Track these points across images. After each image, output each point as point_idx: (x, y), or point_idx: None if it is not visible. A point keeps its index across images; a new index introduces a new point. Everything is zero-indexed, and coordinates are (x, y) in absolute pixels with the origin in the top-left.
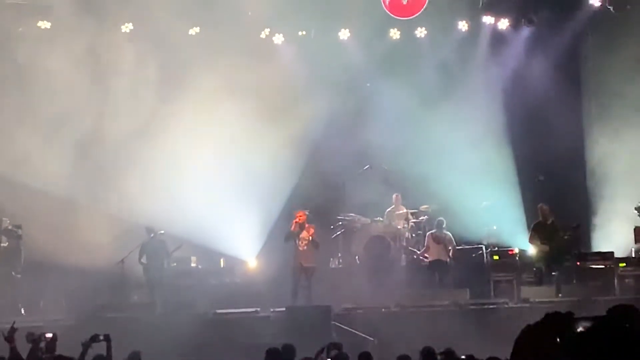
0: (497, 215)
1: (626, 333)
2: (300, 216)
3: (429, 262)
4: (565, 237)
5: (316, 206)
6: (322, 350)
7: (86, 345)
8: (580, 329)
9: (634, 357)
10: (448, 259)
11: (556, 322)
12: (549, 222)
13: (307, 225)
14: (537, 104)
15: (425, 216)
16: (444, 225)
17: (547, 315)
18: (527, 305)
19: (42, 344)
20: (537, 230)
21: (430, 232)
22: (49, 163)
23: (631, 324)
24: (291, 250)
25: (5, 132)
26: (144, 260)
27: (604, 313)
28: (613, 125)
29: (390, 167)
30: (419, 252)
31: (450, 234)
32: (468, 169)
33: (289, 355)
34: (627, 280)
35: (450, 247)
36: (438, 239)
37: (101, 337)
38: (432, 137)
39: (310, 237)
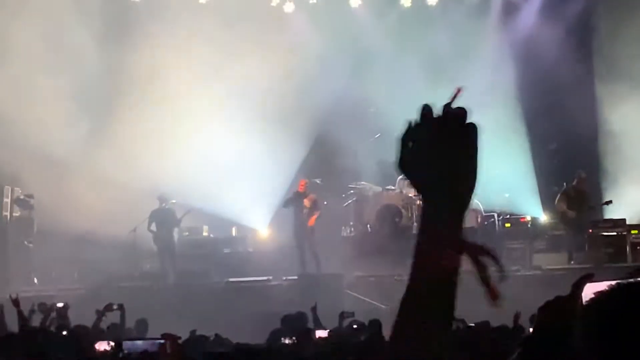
0: (509, 183)
1: None
2: (300, 185)
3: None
4: (594, 208)
5: (328, 175)
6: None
7: (100, 314)
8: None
9: None
10: (476, 225)
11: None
12: (582, 190)
13: (309, 195)
14: (549, 72)
15: None
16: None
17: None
18: (540, 272)
19: (54, 314)
20: (568, 195)
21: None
22: (62, 133)
23: None
24: (292, 219)
25: (17, 105)
26: (153, 227)
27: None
28: (625, 91)
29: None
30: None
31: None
32: (481, 139)
33: (299, 322)
34: (638, 248)
35: (478, 215)
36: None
37: (115, 307)
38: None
39: (312, 206)
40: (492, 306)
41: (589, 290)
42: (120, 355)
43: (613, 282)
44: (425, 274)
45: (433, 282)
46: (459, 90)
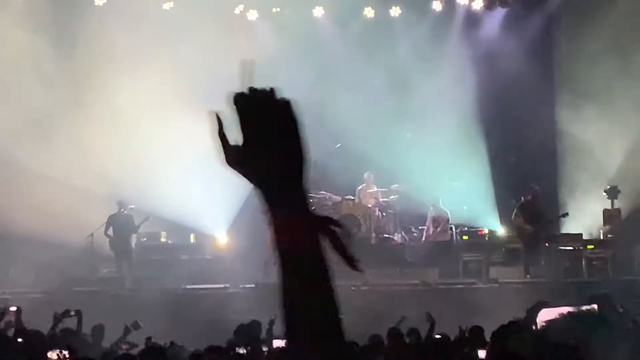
0: (467, 196)
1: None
2: None
3: (437, 242)
4: (552, 222)
5: None
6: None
7: (57, 320)
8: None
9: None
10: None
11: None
12: (536, 204)
13: None
14: (509, 84)
15: (396, 195)
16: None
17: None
18: (496, 285)
19: (8, 318)
20: (524, 209)
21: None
22: (18, 135)
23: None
24: (260, 229)
25: None
26: (110, 232)
27: (572, 294)
28: (584, 104)
29: (363, 145)
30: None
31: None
32: (441, 151)
33: (253, 330)
34: (594, 263)
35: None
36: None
37: (72, 313)
38: (405, 116)
39: None
40: (353, 270)
41: (544, 316)
42: None
43: (565, 311)
44: (289, 258)
45: (301, 263)
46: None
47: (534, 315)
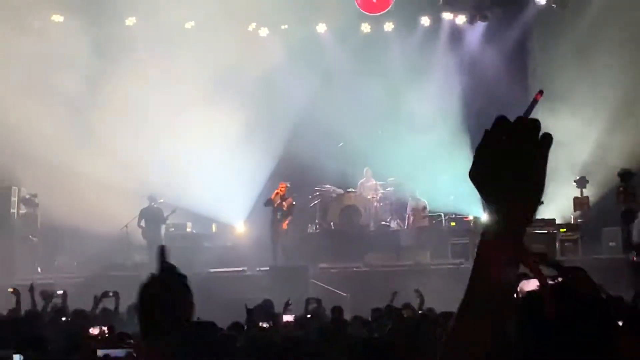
0: (454, 188)
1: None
2: (281, 188)
3: (418, 227)
4: None
5: (297, 178)
6: (288, 303)
7: (97, 301)
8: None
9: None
10: (426, 224)
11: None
12: None
13: (287, 198)
14: (489, 89)
15: (392, 187)
16: (417, 196)
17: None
18: None
19: (56, 300)
20: None
21: (416, 205)
22: (63, 141)
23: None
24: (272, 218)
25: (22, 113)
26: (142, 224)
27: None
28: (554, 105)
29: (362, 144)
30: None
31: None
32: (430, 148)
33: (268, 308)
34: (566, 244)
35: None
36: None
37: (111, 294)
38: (398, 118)
39: (289, 208)
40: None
41: (524, 287)
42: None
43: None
44: (484, 283)
45: (491, 291)
46: (540, 94)
47: (515, 286)
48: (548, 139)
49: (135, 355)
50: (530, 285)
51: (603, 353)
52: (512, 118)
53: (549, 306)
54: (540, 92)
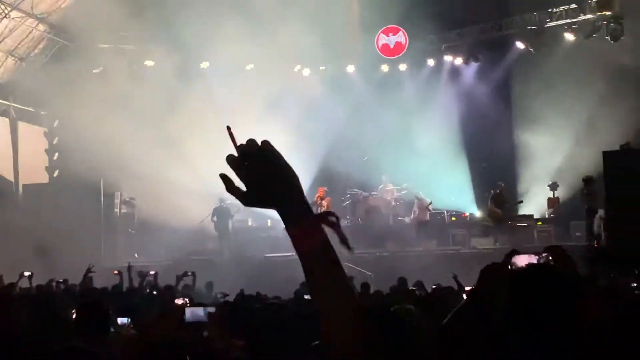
0: (454, 190)
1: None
2: (320, 191)
3: (418, 221)
4: (511, 206)
5: (332, 183)
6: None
7: (178, 279)
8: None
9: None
10: (428, 218)
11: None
12: (502, 195)
13: (326, 198)
14: (481, 113)
15: (405, 191)
16: (421, 196)
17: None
18: (476, 250)
19: (149, 278)
20: (494, 199)
21: (420, 203)
22: (152, 156)
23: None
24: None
25: (122, 136)
26: (214, 219)
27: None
28: (532, 127)
29: (382, 158)
30: (412, 218)
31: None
32: (435, 160)
33: None
34: (542, 234)
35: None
36: (421, 206)
37: (189, 273)
38: (410, 138)
39: (327, 206)
40: (349, 253)
41: (516, 260)
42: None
43: (532, 255)
44: (307, 250)
45: (316, 251)
46: (229, 130)
47: (509, 259)
48: (263, 146)
49: (211, 313)
50: (522, 260)
51: (575, 320)
52: (498, 137)
53: (346, 242)
54: (227, 127)
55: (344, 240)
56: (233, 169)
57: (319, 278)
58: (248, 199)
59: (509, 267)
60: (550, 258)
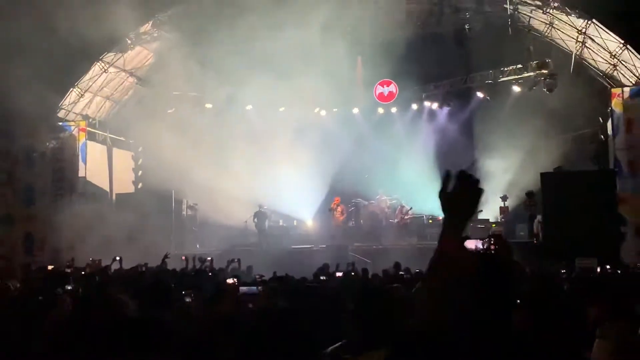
0: (430, 201)
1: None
2: (336, 200)
3: (403, 224)
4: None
5: (342, 194)
6: (337, 265)
7: (228, 263)
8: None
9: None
10: (408, 221)
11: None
12: None
13: (340, 205)
14: (451, 145)
15: (395, 200)
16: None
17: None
18: None
19: (207, 263)
20: None
21: (401, 208)
22: (209, 170)
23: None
24: (329, 218)
25: (187, 156)
26: (255, 220)
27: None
28: (490, 154)
29: (378, 176)
30: (397, 220)
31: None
32: (416, 177)
33: (326, 268)
34: (496, 233)
35: (404, 214)
36: (404, 211)
37: (236, 260)
38: (400, 161)
39: (341, 212)
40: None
41: (466, 243)
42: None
43: (479, 240)
44: (442, 254)
45: (444, 257)
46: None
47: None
48: (475, 183)
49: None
50: (471, 243)
51: (511, 299)
52: (463, 161)
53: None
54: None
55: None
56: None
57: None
58: (447, 199)
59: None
60: (492, 242)
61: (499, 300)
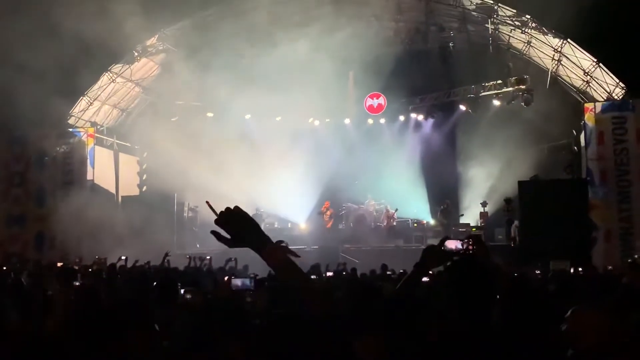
0: (416, 205)
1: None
2: (326, 204)
3: (389, 226)
4: (456, 218)
5: (333, 199)
6: (327, 266)
7: (226, 262)
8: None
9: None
10: (394, 223)
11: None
12: (449, 209)
13: (330, 209)
14: (435, 154)
15: (383, 205)
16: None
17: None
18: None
19: (206, 261)
20: (443, 212)
21: (387, 212)
22: (208, 174)
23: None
24: (320, 221)
25: (188, 163)
26: None
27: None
28: (471, 163)
29: (367, 183)
30: (385, 223)
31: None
32: (403, 184)
33: (317, 268)
34: (475, 234)
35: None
36: (389, 215)
37: (233, 259)
38: (387, 169)
39: (330, 215)
40: (296, 258)
41: (447, 243)
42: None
43: (458, 240)
44: (273, 264)
45: (279, 263)
46: (208, 204)
47: (442, 243)
48: (231, 211)
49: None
50: (451, 243)
51: (493, 292)
52: (446, 169)
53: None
54: (207, 202)
55: (291, 252)
56: (220, 226)
57: (285, 274)
58: (233, 243)
59: (442, 247)
60: (470, 242)
61: (477, 293)
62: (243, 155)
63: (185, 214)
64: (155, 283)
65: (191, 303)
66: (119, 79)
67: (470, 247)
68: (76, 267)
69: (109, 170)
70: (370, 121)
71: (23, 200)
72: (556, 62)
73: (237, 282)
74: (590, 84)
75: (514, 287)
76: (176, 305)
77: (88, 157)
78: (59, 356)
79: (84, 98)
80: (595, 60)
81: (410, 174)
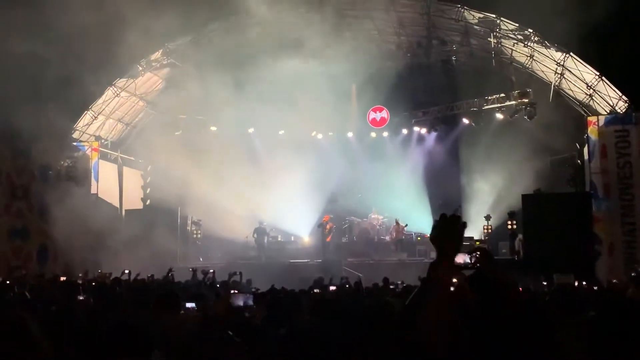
0: (420, 219)
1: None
2: (326, 218)
3: (397, 239)
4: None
5: (335, 212)
6: (331, 279)
7: (230, 275)
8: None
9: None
10: (403, 237)
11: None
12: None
13: (329, 223)
14: (439, 166)
15: (386, 219)
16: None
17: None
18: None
19: (209, 275)
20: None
21: (397, 225)
22: (212, 189)
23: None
24: (321, 234)
25: (192, 178)
26: (255, 236)
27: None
28: (474, 176)
29: (371, 196)
30: (391, 237)
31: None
32: (406, 198)
33: (321, 281)
34: (481, 246)
35: (401, 231)
36: (398, 228)
37: (237, 272)
38: (391, 182)
39: (330, 229)
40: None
41: (456, 258)
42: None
43: (465, 254)
44: (432, 284)
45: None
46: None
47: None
48: (458, 219)
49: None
50: (459, 257)
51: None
52: (450, 183)
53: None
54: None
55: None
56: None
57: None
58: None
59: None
60: (478, 255)
61: (492, 317)
62: (246, 168)
63: (189, 228)
64: (156, 296)
65: (191, 318)
66: (123, 93)
67: (478, 261)
68: (79, 282)
69: (113, 184)
70: (373, 134)
71: (26, 213)
72: (559, 76)
73: (239, 300)
74: (593, 97)
75: (522, 301)
76: (176, 320)
77: (92, 170)
78: None
79: (89, 112)
80: (598, 73)
81: (414, 187)
